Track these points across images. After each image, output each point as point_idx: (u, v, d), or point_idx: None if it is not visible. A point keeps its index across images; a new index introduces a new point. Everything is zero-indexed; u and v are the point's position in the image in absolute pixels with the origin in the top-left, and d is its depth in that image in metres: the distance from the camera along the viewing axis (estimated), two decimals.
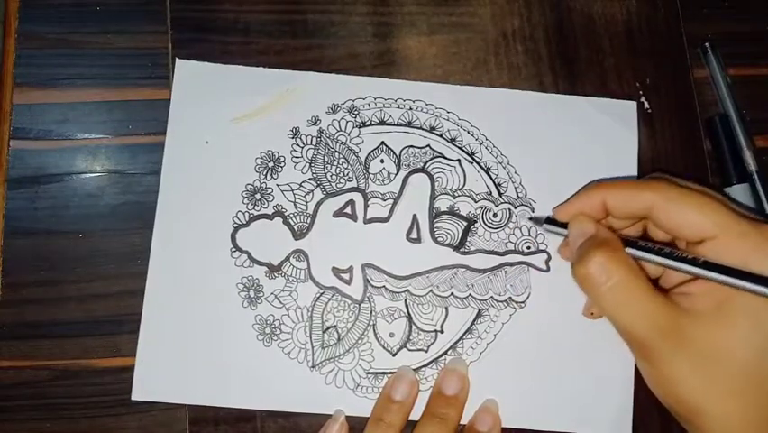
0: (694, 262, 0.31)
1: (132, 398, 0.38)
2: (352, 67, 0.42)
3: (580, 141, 0.41)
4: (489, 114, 0.42)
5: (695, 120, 0.43)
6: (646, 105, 0.42)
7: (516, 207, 0.41)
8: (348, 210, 0.40)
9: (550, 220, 0.38)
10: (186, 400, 0.38)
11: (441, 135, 0.41)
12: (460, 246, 0.40)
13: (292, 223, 0.40)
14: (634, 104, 0.42)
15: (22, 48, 0.41)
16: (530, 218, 0.40)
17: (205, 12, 0.42)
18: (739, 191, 0.41)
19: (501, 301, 0.39)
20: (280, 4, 0.43)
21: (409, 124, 0.41)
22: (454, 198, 0.40)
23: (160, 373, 0.38)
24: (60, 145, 0.41)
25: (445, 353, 0.39)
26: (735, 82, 0.43)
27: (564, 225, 0.37)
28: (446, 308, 0.39)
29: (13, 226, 0.40)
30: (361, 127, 0.41)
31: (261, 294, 0.39)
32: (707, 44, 0.43)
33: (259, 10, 0.42)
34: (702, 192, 0.33)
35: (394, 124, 0.41)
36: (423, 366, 0.39)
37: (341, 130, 0.41)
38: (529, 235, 0.40)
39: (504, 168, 0.41)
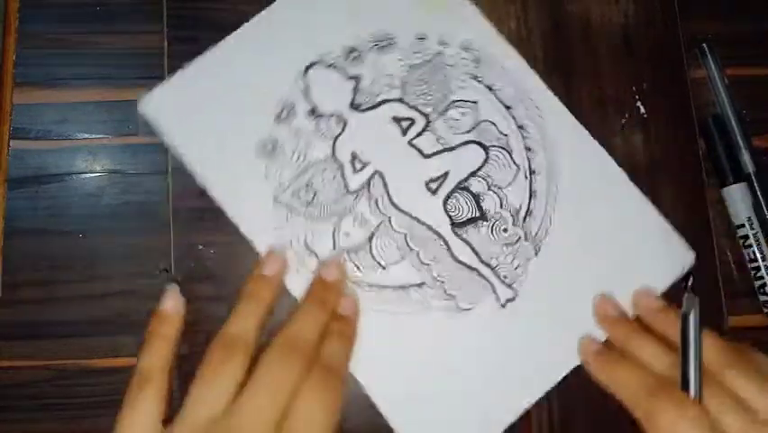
0: None
1: (139, 105, 0.39)
2: None
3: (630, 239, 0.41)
4: (575, 156, 0.41)
5: (691, 123, 0.43)
6: (642, 109, 0.43)
7: (524, 240, 0.40)
8: (405, 124, 0.41)
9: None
10: (172, 138, 0.39)
11: (524, 138, 0.41)
12: (457, 226, 0.40)
13: (357, 94, 0.41)
14: (691, 258, 0.40)
15: (22, 48, 0.41)
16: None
17: (201, 10, 0.42)
18: (736, 191, 0.42)
19: (447, 293, 0.39)
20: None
21: (508, 108, 0.41)
22: (487, 189, 0.41)
23: (173, 104, 0.40)
24: (60, 145, 0.41)
25: (370, 285, 0.39)
26: (732, 83, 0.44)
27: None
28: (403, 257, 0.40)
29: (13, 226, 0.39)
30: (471, 78, 0.42)
31: (290, 121, 0.40)
32: (704, 45, 0.44)
33: (255, 9, 0.42)
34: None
35: (497, 99, 0.42)
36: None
37: (455, 65, 0.42)
38: (516, 270, 0.40)
39: (545, 206, 0.41)
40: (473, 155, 0.41)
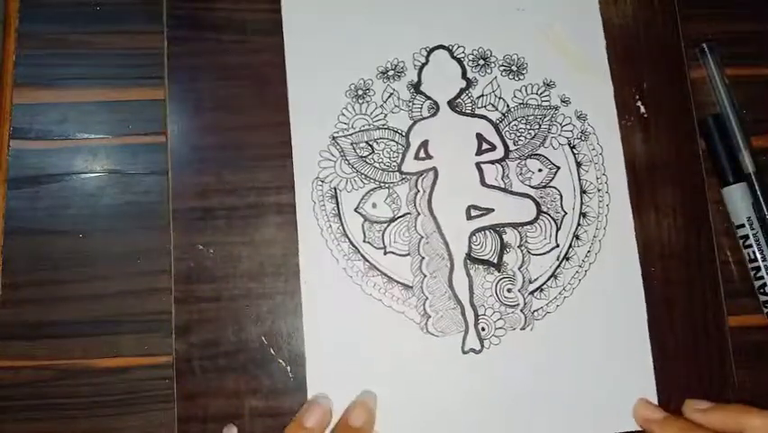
0: None
1: None
2: None
3: None
4: (612, 272, 0.41)
5: (691, 123, 0.43)
6: (642, 109, 0.43)
7: (520, 310, 0.40)
8: (484, 146, 0.41)
9: None
10: None
11: (579, 225, 0.41)
12: (471, 260, 0.40)
13: (463, 96, 0.42)
14: None
15: (22, 48, 0.41)
16: None
17: (200, 10, 0.42)
18: (736, 191, 0.42)
19: (424, 310, 0.39)
20: (276, 2, 0.43)
21: (583, 193, 0.42)
22: (517, 246, 0.40)
23: None
24: (60, 145, 0.41)
25: (364, 261, 0.39)
26: (732, 83, 0.44)
27: None
28: (408, 255, 0.40)
29: (13, 226, 0.40)
30: (570, 147, 0.42)
31: (391, 81, 0.42)
32: (704, 45, 0.44)
33: (254, 9, 0.42)
34: None
35: (579, 178, 0.42)
36: (352, 246, 0.40)
37: (563, 126, 0.42)
38: (496, 330, 0.39)
39: (559, 292, 0.40)
40: (525, 210, 0.41)
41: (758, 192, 0.42)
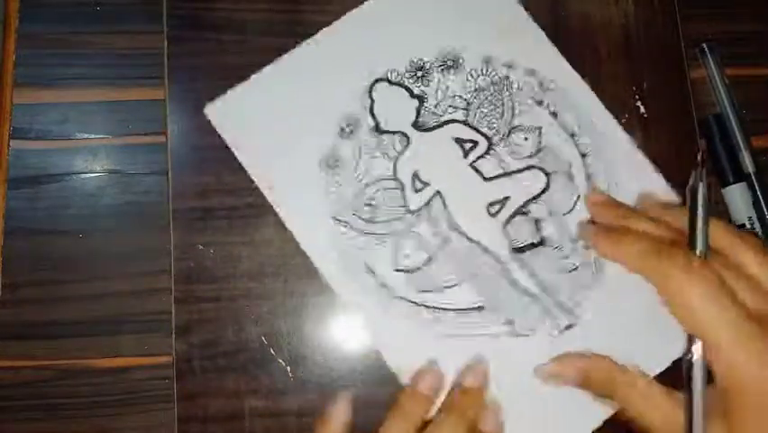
0: None
1: (205, 110, 0.40)
2: None
3: None
4: (635, 185, 0.41)
5: (691, 123, 0.43)
6: (642, 109, 0.43)
7: (583, 268, 0.40)
8: (467, 146, 0.41)
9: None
10: (234, 144, 0.40)
11: (586, 166, 0.41)
12: (517, 251, 0.40)
13: (421, 113, 0.41)
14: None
15: (22, 48, 0.41)
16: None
17: (201, 10, 0.42)
18: (736, 191, 0.42)
19: (505, 318, 0.39)
20: (277, 3, 0.43)
21: (572, 136, 0.41)
22: (548, 215, 0.40)
23: (238, 112, 0.40)
24: (60, 145, 0.41)
25: (427, 307, 0.39)
26: (732, 83, 0.44)
27: None
28: (462, 280, 0.39)
29: (13, 226, 0.40)
30: (537, 104, 0.42)
31: (353, 136, 0.40)
32: (704, 45, 0.44)
33: (255, 9, 0.42)
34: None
35: (560, 126, 0.41)
36: (406, 300, 0.39)
37: (520, 89, 0.42)
38: (575, 297, 0.39)
39: None
40: (534, 181, 0.41)
41: (758, 192, 0.42)
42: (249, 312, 0.39)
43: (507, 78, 0.42)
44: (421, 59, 0.42)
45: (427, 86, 0.41)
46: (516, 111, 0.41)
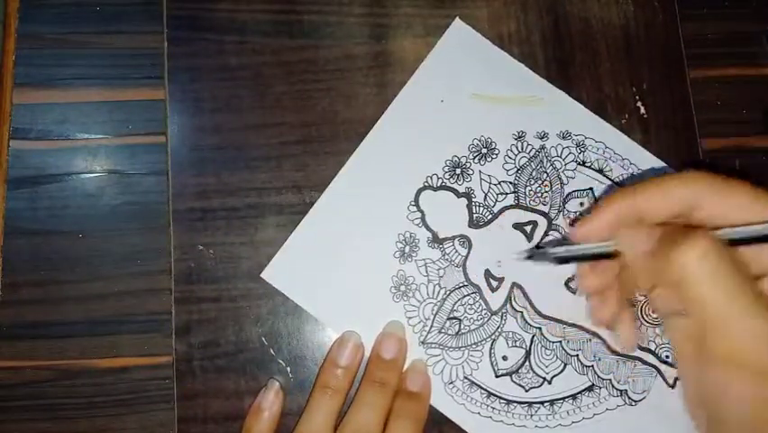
0: None
1: (261, 275, 0.39)
2: (347, 68, 0.42)
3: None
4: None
5: (691, 123, 0.43)
6: (642, 109, 0.43)
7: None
8: (528, 229, 0.40)
9: (562, 258, 0.35)
10: (303, 302, 0.39)
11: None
12: None
13: (473, 211, 0.40)
14: None
15: (22, 48, 0.41)
16: (528, 257, 0.39)
17: (201, 11, 0.42)
18: None
19: (617, 389, 0.39)
20: (276, 3, 0.43)
21: (620, 185, 0.41)
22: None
23: (295, 268, 0.39)
24: (60, 145, 0.41)
25: (542, 403, 0.38)
26: (732, 82, 0.44)
27: (565, 259, 0.34)
28: (565, 365, 0.39)
29: (13, 226, 0.39)
30: (580, 165, 0.41)
31: (414, 255, 0.40)
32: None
33: (255, 9, 0.42)
34: (747, 183, 0.30)
35: (611, 179, 0.41)
36: (517, 402, 0.38)
37: (560, 156, 0.41)
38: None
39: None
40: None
41: None
42: (249, 313, 0.39)
43: (543, 147, 0.41)
44: (455, 156, 0.41)
45: (470, 181, 0.41)
46: (564, 179, 0.41)
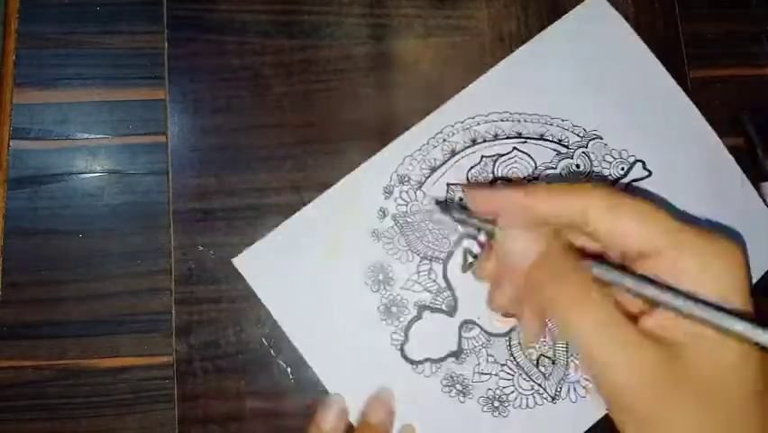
0: (682, 294, 0.27)
1: (232, 260, 0.39)
2: (347, 68, 0.42)
3: (584, 56, 0.43)
4: (502, 92, 0.42)
5: None
6: None
7: (587, 146, 0.41)
8: (470, 259, 0.40)
9: (459, 207, 0.35)
10: (264, 297, 0.39)
11: (484, 141, 0.41)
12: None
13: (439, 306, 0.40)
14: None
15: (22, 48, 0.41)
16: (437, 202, 0.39)
17: (201, 11, 0.42)
18: None
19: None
20: (276, 4, 0.43)
21: (453, 153, 0.41)
22: (538, 180, 0.41)
23: (267, 263, 0.39)
24: (60, 145, 0.41)
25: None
26: (732, 82, 0.44)
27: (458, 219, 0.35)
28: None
29: (13, 226, 0.39)
30: (418, 188, 0.41)
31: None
32: None
33: (255, 10, 0.42)
34: (646, 201, 0.29)
35: (443, 163, 0.41)
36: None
37: (408, 201, 0.41)
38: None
39: (550, 125, 0.41)
40: None
41: None
42: (249, 313, 0.39)
43: (395, 217, 0.41)
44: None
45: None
46: (427, 223, 0.40)
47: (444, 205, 0.37)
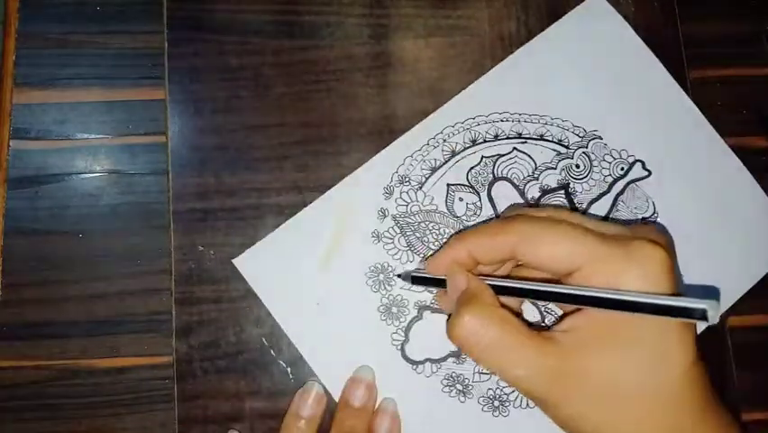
0: (571, 295, 0.30)
1: (233, 260, 0.39)
2: (347, 68, 0.42)
3: (585, 56, 0.43)
4: (502, 93, 0.42)
5: None
6: None
7: (587, 146, 0.41)
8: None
9: (417, 278, 0.37)
10: (265, 298, 0.39)
11: (485, 141, 0.41)
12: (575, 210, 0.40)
13: (440, 306, 0.40)
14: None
15: (22, 48, 0.41)
16: (398, 276, 0.39)
17: (201, 11, 0.42)
18: None
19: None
20: (277, 4, 0.43)
21: (453, 153, 0.41)
22: (538, 180, 0.41)
23: (268, 263, 0.39)
24: (60, 145, 0.41)
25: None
26: (732, 82, 0.44)
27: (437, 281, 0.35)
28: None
29: (13, 226, 0.39)
30: (418, 189, 0.41)
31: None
32: None
33: (255, 10, 0.42)
34: (561, 223, 0.31)
35: (443, 164, 0.41)
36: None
37: (409, 202, 0.41)
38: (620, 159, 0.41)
39: (550, 125, 0.41)
40: (504, 190, 0.41)
41: None
42: (249, 313, 0.39)
43: (395, 217, 0.41)
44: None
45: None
46: (428, 223, 0.41)
47: (407, 277, 0.38)
